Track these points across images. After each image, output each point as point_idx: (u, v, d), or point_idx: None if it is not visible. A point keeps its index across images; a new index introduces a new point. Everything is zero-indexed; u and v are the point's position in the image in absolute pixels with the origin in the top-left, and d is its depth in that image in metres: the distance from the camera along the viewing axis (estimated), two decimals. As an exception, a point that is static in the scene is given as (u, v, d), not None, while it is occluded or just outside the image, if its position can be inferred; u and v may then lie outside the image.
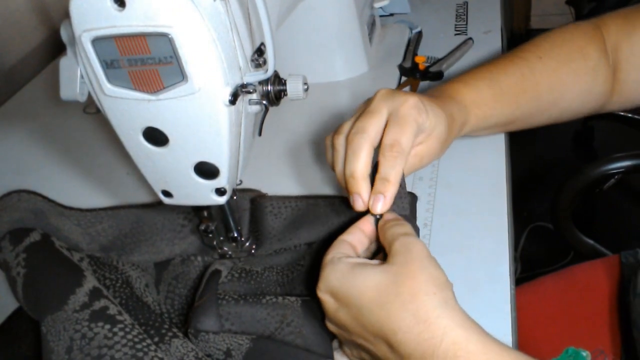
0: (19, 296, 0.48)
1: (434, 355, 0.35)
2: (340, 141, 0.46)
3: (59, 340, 0.43)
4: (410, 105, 0.45)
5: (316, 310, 0.44)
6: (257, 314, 0.45)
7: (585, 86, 0.58)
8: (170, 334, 0.45)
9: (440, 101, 0.50)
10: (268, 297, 0.46)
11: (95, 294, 0.45)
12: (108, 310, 0.44)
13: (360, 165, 0.43)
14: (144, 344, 0.42)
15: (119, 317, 0.43)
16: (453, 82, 0.55)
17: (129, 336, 0.42)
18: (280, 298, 0.46)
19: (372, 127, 0.44)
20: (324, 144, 0.50)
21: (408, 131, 0.44)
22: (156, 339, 0.44)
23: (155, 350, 0.42)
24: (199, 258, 0.53)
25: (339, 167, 0.46)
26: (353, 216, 0.50)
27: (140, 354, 0.41)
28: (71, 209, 0.57)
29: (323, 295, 0.40)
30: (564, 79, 0.57)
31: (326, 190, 0.60)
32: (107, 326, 0.42)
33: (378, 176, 0.44)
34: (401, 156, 0.43)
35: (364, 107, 0.47)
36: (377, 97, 0.47)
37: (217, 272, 0.49)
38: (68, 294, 0.45)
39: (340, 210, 0.52)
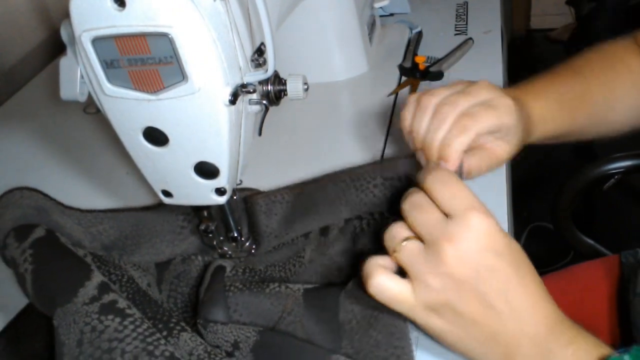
0: (28, 292, 0.47)
1: None
2: (429, 102, 0.47)
3: (70, 333, 0.42)
4: (505, 102, 0.47)
5: (318, 299, 0.45)
6: (262, 304, 0.45)
7: (633, 100, 0.58)
8: (178, 327, 0.45)
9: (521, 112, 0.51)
10: (272, 286, 0.46)
11: (103, 287, 0.45)
12: (117, 304, 0.43)
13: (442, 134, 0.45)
14: (154, 337, 0.42)
15: (128, 311, 0.43)
16: (526, 92, 0.54)
17: (139, 329, 0.42)
18: (283, 287, 0.46)
19: (464, 103, 0.45)
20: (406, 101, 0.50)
21: (490, 115, 0.45)
22: (164, 333, 0.44)
23: (165, 344, 0.42)
24: (199, 257, 0.53)
25: (419, 125, 0.47)
26: (342, 201, 0.51)
27: (150, 347, 0.41)
28: (71, 208, 0.57)
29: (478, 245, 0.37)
30: (615, 94, 0.57)
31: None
32: (118, 319, 0.42)
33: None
34: (470, 129, 0.44)
35: (462, 87, 0.48)
36: (479, 83, 0.48)
37: (222, 268, 0.49)
38: (77, 287, 0.44)
39: (328, 196, 0.52)
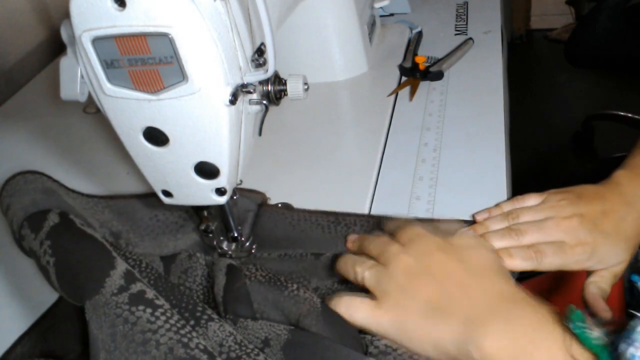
0: (55, 285, 0.46)
1: None
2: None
3: (102, 327, 0.41)
4: (577, 251, 0.48)
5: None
6: (280, 305, 0.45)
7: None
8: (205, 316, 0.44)
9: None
10: (290, 289, 0.46)
11: (129, 276, 0.43)
12: (146, 295, 0.42)
13: None
14: (187, 329, 0.41)
15: (157, 302, 0.42)
16: (635, 175, 0.56)
17: (171, 321, 0.41)
18: (302, 291, 0.46)
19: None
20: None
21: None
22: (192, 322, 0.43)
23: (198, 337, 0.41)
24: (202, 256, 0.53)
25: None
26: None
27: (185, 340, 0.40)
28: (74, 191, 0.56)
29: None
30: None
31: (322, 192, 0.60)
32: (149, 310, 0.41)
33: None
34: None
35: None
36: (555, 221, 0.50)
37: (237, 267, 0.49)
38: (104, 277, 0.43)
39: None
